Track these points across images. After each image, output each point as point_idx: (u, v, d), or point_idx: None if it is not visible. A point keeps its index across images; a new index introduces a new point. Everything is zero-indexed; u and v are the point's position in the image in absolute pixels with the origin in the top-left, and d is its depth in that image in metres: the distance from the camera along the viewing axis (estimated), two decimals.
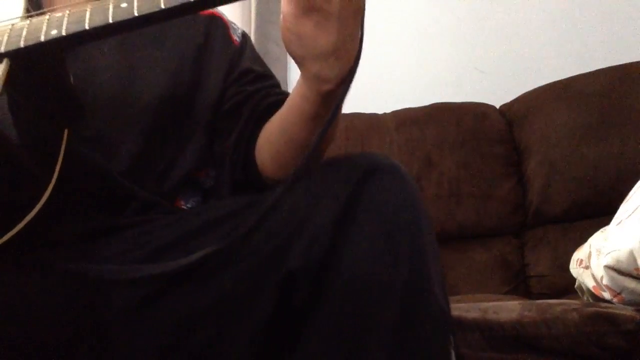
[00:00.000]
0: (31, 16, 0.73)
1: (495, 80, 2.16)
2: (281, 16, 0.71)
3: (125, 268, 0.72)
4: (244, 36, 0.98)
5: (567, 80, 1.97)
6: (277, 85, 0.96)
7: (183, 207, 0.90)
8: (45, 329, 0.70)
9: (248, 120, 0.89)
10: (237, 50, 0.95)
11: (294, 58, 0.73)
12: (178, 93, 0.90)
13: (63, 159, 0.73)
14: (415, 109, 2.02)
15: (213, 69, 0.93)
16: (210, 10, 0.95)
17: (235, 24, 0.99)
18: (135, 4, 0.67)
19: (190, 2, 0.66)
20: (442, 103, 2.04)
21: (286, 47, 0.72)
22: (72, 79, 0.80)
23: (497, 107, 2.06)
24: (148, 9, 0.67)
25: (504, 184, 1.93)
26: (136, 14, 0.67)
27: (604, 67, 1.95)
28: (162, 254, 0.73)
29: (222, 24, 0.96)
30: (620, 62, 1.94)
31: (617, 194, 1.55)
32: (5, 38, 0.69)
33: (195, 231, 0.74)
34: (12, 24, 0.72)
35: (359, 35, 0.71)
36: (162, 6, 0.66)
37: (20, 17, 0.74)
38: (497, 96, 2.08)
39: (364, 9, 0.70)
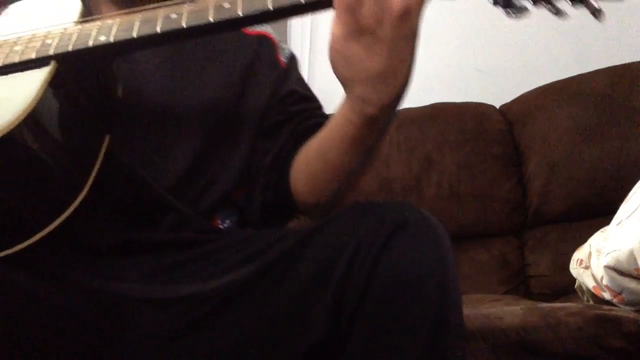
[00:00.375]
0: (85, 21, 0.74)
1: (495, 80, 2.16)
2: (329, 36, 0.68)
3: (154, 288, 0.71)
4: (292, 57, 0.97)
5: (567, 80, 1.98)
6: (319, 107, 0.94)
7: (219, 225, 0.89)
8: (65, 340, 0.69)
9: (287, 140, 0.87)
10: (283, 72, 0.93)
11: (339, 79, 0.70)
12: (223, 112, 0.88)
13: (101, 166, 0.72)
14: (415, 109, 2.02)
15: (257, 90, 0.91)
16: (260, 30, 0.95)
17: (285, 45, 0.97)
18: (184, 15, 0.68)
19: (239, 18, 0.67)
20: (442, 103, 2.04)
21: (332, 68, 0.69)
22: (120, 88, 0.79)
23: (497, 107, 2.06)
24: (196, 21, 0.67)
25: (504, 184, 1.93)
26: (184, 26, 0.67)
27: (604, 67, 1.95)
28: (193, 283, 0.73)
29: (270, 45, 0.95)
30: (620, 62, 1.94)
31: (617, 194, 1.55)
32: (56, 41, 0.70)
33: (227, 268, 0.73)
34: (65, 28, 0.73)
35: (410, 60, 0.68)
36: (211, 20, 0.67)
37: (74, 22, 0.75)
38: (497, 96, 2.08)
39: (417, 34, 0.67)
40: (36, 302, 0.67)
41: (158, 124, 0.85)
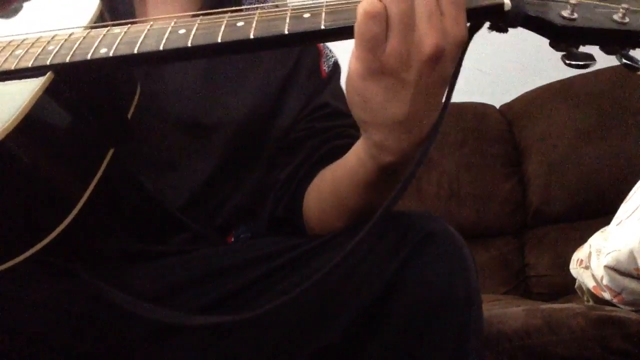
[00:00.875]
0: (95, 27, 0.69)
1: (495, 80, 2.16)
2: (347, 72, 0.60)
3: (147, 307, 0.68)
4: (335, 66, 0.88)
5: (567, 80, 1.98)
6: (353, 125, 0.84)
7: (233, 239, 0.86)
8: (62, 343, 0.67)
9: (307, 158, 0.80)
10: (322, 82, 0.86)
11: (357, 120, 0.62)
12: (253, 129, 0.83)
13: (102, 180, 0.68)
14: None
15: (293, 101, 0.85)
16: None
17: (331, 52, 0.90)
18: (193, 32, 0.63)
19: (249, 41, 0.60)
20: None
21: (349, 107, 0.61)
22: (134, 102, 0.75)
23: (497, 107, 2.07)
24: (204, 40, 0.62)
25: (504, 184, 1.93)
26: (189, 45, 0.62)
27: (604, 67, 1.95)
28: (189, 289, 0.72)
29: (315, 53, 0.87)
30: None
31: (617, 194, 1.55)
32: (57, 49, 0.66)
33: (222, 271, 0.72)
34: (71, 34, 0.68)
35: (439, 108, 0.59)
36: (219, 40, 0.61)
37: (84, 27, 0.70)
38: (497, 96, 2.08)
39: (450, 80, 0.59)
40: (34, 306, 0.66)
41: (181, 139, 0.82)
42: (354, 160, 0.67)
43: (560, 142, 1.88)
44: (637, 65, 0.56)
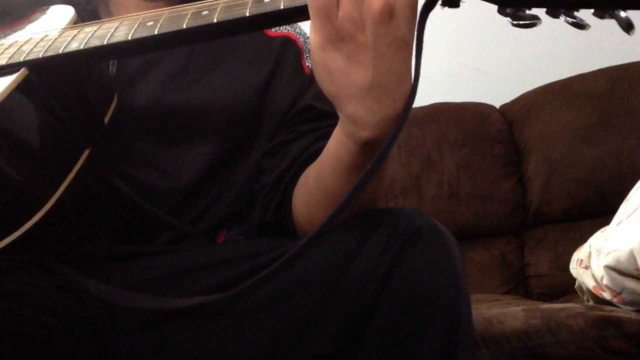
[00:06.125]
0: (71, 28, 0.71)
1: (495, 80, 2.16)
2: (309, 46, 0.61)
3: (125, 294, 0.68)
4: None
5: (567, 80, 1.98)
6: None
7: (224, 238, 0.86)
8: (49, 335, 0.67)
9: (294, 161, 0.79)
10: (307, 80, 0.85)
11: (328, 97, 0.62)
12: (237, 126, 0.84)
13: (75, 180, 0.69)
14: (415, 109, 2.01)
15: (278, 98, 0.84)
16: (286, 32, 0.87)
17: None
18: (160, 22, 0.65)
19: (212, 25, 0.63)
20: (442, 103, 2.04)
21: (318, 83, 0.62)
22: (114, 103, 0.76)
23: (497, 107, 2.07)
24: (170, 28, 0.65)
25: (504, 184, 1.93)
26: (156, 33, 0.64)
27: (604, 67, 1.95)
28: (169, 282, 0.72)
29: (296, 49, 0.87)
30: (620, 62, 1.94)
31: (617, 194, 1.55)
32: (31, 47, 0.68)
33: (206, 266, 0.72)
34: (46, 35, 0.71)
35: (404, 72, 0.59)
36: (184, 27, 0.64)
37: (63, 28, 0.72)
38: (497, 96, 2.08)
39: (411, 42, 0.58)
40: (12, 300, 0.64)
41: (163, 139, 0.82)
42: (334, 144, 0.67)
43: (560, 142, 1.88)
44: (582, 23, 0.57)
